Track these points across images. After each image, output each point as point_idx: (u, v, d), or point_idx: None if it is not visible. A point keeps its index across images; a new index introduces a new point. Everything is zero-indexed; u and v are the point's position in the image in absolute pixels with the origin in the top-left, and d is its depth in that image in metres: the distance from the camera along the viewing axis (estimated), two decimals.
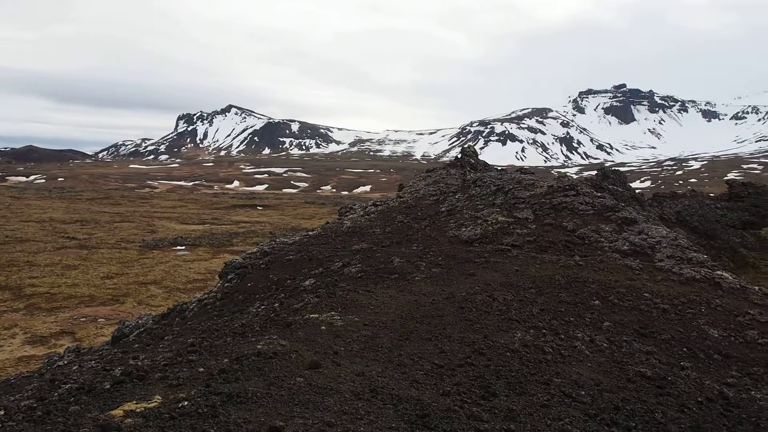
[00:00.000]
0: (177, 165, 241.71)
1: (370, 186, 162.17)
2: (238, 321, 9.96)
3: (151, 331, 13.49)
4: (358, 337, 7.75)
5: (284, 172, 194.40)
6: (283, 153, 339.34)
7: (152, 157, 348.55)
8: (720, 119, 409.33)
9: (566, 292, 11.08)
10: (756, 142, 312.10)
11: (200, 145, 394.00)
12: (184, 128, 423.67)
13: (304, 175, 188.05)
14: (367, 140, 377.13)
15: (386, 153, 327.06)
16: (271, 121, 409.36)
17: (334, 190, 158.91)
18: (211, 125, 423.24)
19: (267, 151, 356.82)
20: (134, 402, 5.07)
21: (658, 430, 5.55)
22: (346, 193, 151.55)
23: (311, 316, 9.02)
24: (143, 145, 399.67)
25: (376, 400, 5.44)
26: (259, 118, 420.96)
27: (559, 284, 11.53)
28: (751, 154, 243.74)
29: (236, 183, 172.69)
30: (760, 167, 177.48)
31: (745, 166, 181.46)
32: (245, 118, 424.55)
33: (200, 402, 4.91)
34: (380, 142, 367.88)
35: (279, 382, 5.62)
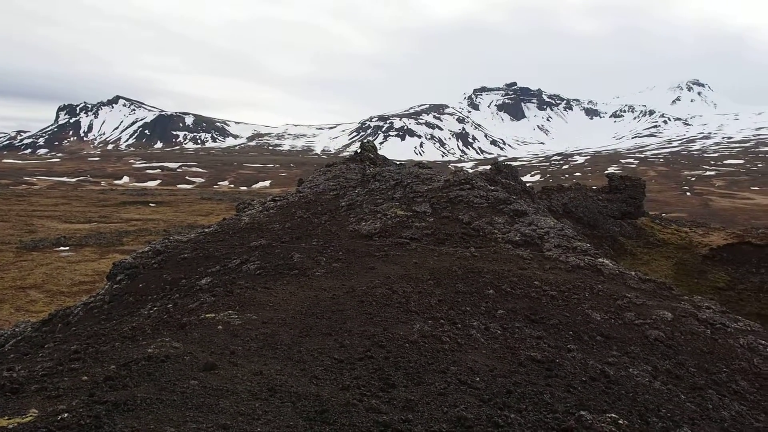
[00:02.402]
0: (59, 160, 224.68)
1: (269, 181, 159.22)
2: (128, 324, 9.40)
3: (30, 340, 12.48)
4: (256, 336, 7.56)
5: (178, 167, 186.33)
6: (177, 147, 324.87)
7: (29, 151, 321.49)
8: (601, 117, 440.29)
9: (463, 282, 11.45)
10: (632, 138, 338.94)
11: (85, 139, 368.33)
12: (66, 120, 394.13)
13: (200, 170, 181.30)
14: (266, 134, 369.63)
15: (286, 147, 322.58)
16: (163, 113, 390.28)
17: (232, 186, 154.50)
18: (96, 117, 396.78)
19: (159, 145, 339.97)
20: (5, 418, 4.62)
21: (546, 410, 5.86)
22: (244, 188, 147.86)
23: (207, 315, 8.69)
24: (18, 138, 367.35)
25: (274, 398, 5.32)
26: (149, 111, 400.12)
27: (456, 275, 11.88)
28: (628, 149, 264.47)
29: (126, 179, 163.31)
30: (636, 161, 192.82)
31: (623, 161, 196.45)
32: (134, 110, 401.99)
33: (82, 413, 4.56)
34: (279, 137, 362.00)
35: (171, 386, 5.35)
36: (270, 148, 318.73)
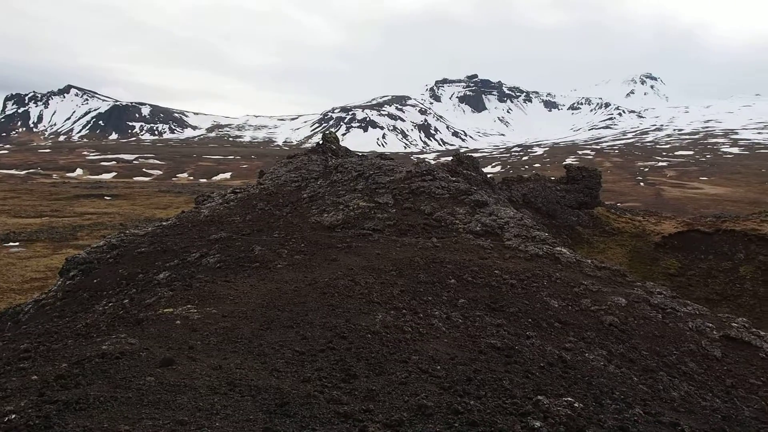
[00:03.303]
0: (6, 152, 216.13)
1: (230, 173, 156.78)
2: (82, 321, 9.14)
3: None
4: (216, 330, 7.45)
5: (135, 159, 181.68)
6: (133, 138, 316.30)
7: None
8: (559, 109, 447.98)
9: (425, 272, 11.53)
10: (589, 130, 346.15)
11: (34, 130, 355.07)
12: (14, 110, 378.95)
13: (158, 162, 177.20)
14: (226, 125, 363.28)
15: (246, 139, 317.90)
16: (117, 103, 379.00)
17: (192, 178, 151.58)
18: (47, 107, 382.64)
19: (114, 136, 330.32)
20: None
21: (505, 396, 5.95)
22: (204, 180, 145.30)
23: (165, 310, 8.52)
24: None
25: (234, 393, 5.26)
26: (104, 101, 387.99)
27: (418, 266, 11.96)
28: (585, 141, 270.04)
29: (79, 171, 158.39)
30: (593, 153, 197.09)
31: (580, 152, 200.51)
32: (87, 100, 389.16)
33: (31, 413, 4.41)
34: (240, 128, 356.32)
35: (126, 383, 5.22)
36: (230, 139, 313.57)
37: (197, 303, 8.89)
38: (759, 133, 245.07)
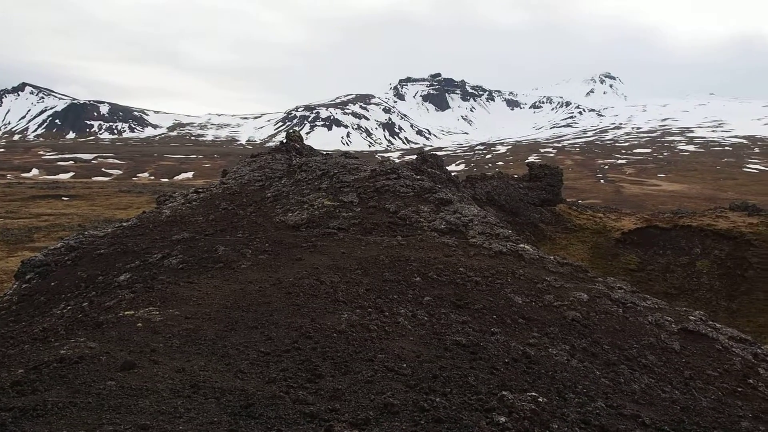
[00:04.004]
0: None
1: (192, 172, 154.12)
2: (39, 325, 8.88)
3: None
4: (179, 332, 7.32)
5: (94, 159, 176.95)
6: (92, 138, 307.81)
7: None
8: (521, 108, 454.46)
9: (390, 271, 11.55)
10: (551, 128, 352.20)
11: None
12: None
13: (118, 161, 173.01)
14: (188, 124, 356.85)
15: (209, 138, 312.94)
16: (75, 102, 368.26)
17: (153, 178, 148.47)
18: (0, 105, 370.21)
19: (72, 135, 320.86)
20: None
21: (470, 392, 6.02)
22: (166, 180, 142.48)
23: (126, 313, 8.34)
24: None
25: (197, 395, 5.18)
26: (60, 99, 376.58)
27: (383, 264, 11.97)
28: (547, 139, 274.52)
29: (35, 171, 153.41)
30: (554, 151, 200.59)
31: (542, 150, 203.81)
32: (43, 98, 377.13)
33: None
34: (202, 126, 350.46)
35: (86, 388, 5.09)
36: (192, 138, 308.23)
37: (159, 305, 8.72)
38: (713, 131, 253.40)
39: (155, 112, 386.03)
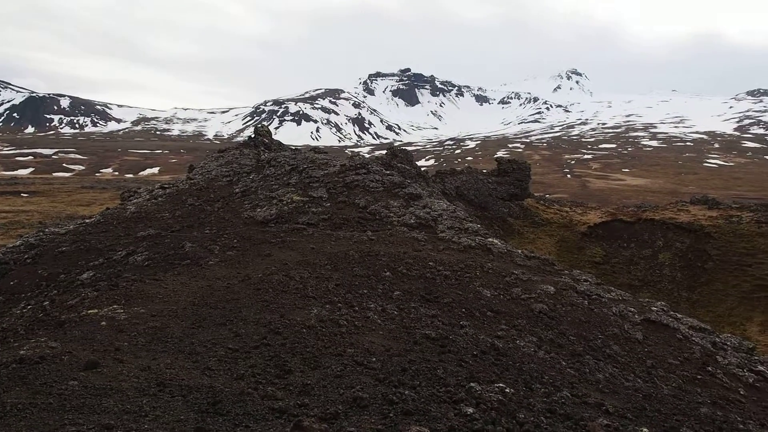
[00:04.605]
0: None
1: (158, 168, 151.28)
2: None
3: None
4: (144, 330, 7.20)
5: (54, 154, 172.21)
6: (52, 132, 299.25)
7: None
8: (490, 103, 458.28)
9: (360, 266, 11.55)
10: (519, 124, 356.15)
11: None
12: None
13: (80, 156, 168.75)
14: (153, 118, 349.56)
15: (175, 132, 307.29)
16: (33, 95, 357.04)
17: (117, 173, 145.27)
18: None
19: (30, 129, 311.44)
20: None
21: (439, 384, 6.07)
22: (130, 176, 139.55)
23: (89, 311, 8.16)
24: None
25: (164, 393, 5.10)
26: (18, 92, 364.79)
27: (353, 259, 11.97)
28: (515, 134, 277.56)
29: None
30: (522, 146, 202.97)
31: (510, 145, 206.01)
32: (0, 91, 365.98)
33: None
34: (168, 121, 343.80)
35: (47, 389, 4.96)
36: (158, 133, 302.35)
37: (124, 303, 8.56)
38: (675, 127, 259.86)
39: (119, 105, 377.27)
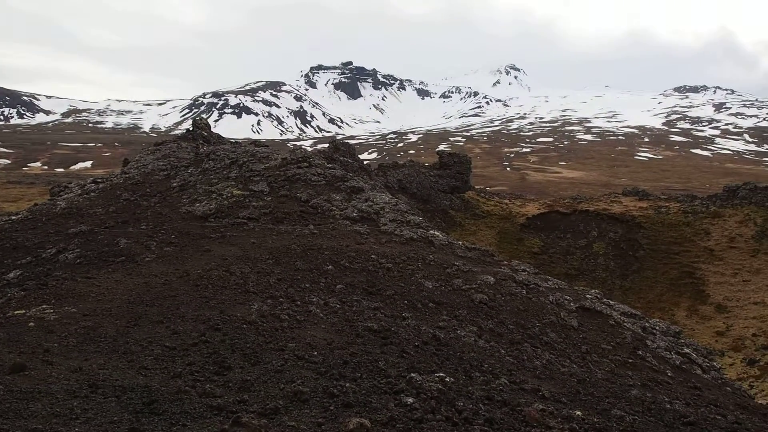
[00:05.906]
0: None
1: (91, 162, 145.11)
2: None
3: None
4: (76, 330, 6.92)
5: None
6: None
7: None
8: (431, 97, 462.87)
9: (302, 260, 11.47)
10: (460, 118, 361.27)
11: None
12: None
13: (5, 150, 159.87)
14: (85, 110, 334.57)
15: (109, 125, 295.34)
16: None
17: (46, 168, 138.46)
18: None
19: None
20: None
21: (380, 376, 6.12)
22: (61, 170, 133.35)
23: (16, 312, 7.79)
24: None
25: (96, 395, 4.93)
26: None
27: (295, 253, 11.87)
28: (456, 128, 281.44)
29: None
30: (464, 140, 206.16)
31: (452, 139, 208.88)
32: None
33: None
34: (101, 113, 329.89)
35: None
36: (90, 125, 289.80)
37: (54, 302, 8.21)
38: (608, 121, 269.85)
39: (47, 96, 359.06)
